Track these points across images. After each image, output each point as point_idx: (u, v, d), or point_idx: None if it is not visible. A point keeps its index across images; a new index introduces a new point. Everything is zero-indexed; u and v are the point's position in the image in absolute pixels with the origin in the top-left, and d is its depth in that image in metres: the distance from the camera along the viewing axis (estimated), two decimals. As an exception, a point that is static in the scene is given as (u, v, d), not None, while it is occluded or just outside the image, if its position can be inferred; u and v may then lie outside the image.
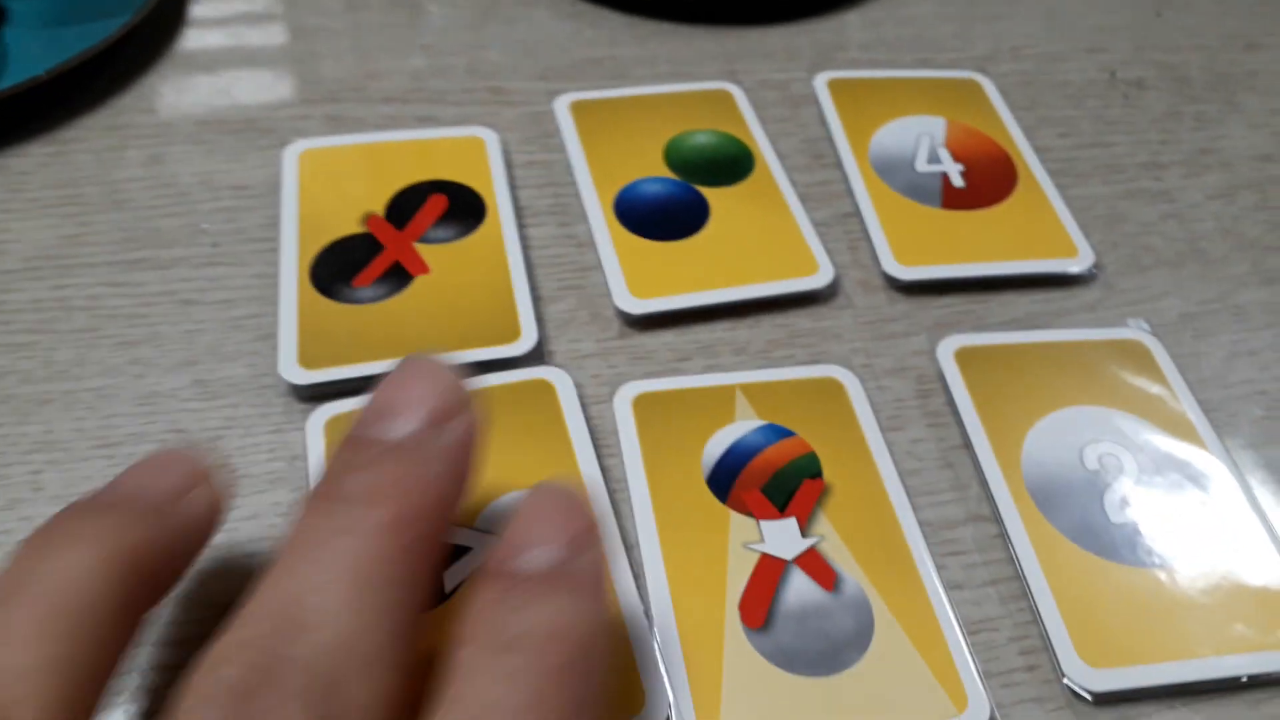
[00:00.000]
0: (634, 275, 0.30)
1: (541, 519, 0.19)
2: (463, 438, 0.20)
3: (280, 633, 0.17)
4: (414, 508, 0.19)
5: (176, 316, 0.30)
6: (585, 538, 0.19)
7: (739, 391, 0.28)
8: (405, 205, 0.32)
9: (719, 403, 0.28)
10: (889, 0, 0.43)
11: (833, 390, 0.28)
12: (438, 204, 0.32)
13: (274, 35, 0.39)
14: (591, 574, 0.19)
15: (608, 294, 0.31)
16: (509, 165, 0.34)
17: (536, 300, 0.31)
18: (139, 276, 0.30)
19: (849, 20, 0.41)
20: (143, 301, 0.30)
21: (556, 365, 0.29)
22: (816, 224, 0.33)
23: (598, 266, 0.31)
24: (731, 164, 0.34)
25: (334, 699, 0.16)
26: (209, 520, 0.21)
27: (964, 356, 0.29)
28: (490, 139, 0.34)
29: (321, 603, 0.17)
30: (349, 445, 0.20)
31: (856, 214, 0.33)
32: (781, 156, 0.35)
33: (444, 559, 0.23)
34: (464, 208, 0.33)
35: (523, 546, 0.19)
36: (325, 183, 0.33)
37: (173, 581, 0.21)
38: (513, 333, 0.29)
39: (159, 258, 0.31)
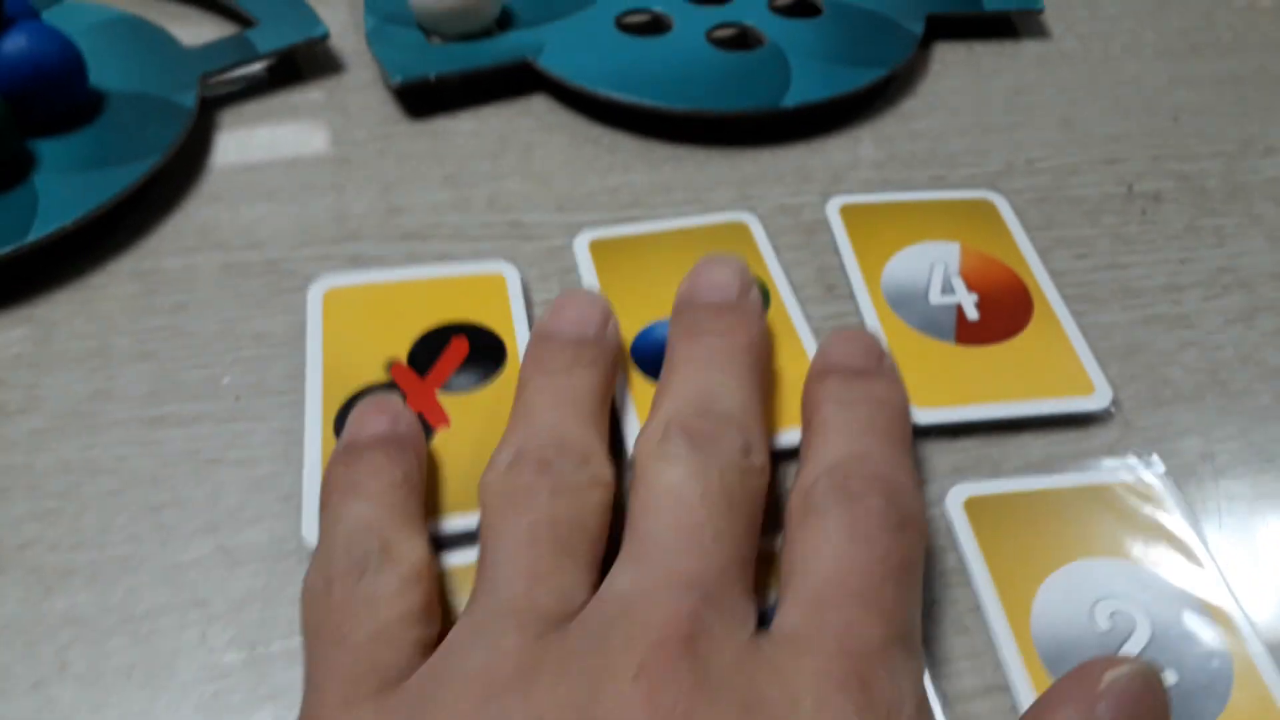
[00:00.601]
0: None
1: (851, 339, 0.31)
2: (759, 305, 0.31)
3: (705, 399, 0.27)
4: (755, 336, 0.30)
5: (199, 478, 0.30)
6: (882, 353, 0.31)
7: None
8: (428, 349, 0.33)
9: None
10: (902, 114, 0.43)
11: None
12: (459, 348, 0.33)
13: (298, 171, 0.41)
14: (894, 371, 0.30)
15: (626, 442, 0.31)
16: (528, 304, 0.35)
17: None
18: (163, 434, 0.31)
19: (861, 137, 0.42)
20: (165, 462, 0.30)
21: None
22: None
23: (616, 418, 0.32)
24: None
25: (748, 435, 0.26)
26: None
27: (974, 507, 0.29)
28: (511, 276, 0.35)
29: (722, 381, 0.28)
30: (686, 308, 0.31)
31: (871, 349, 0.33)
32: (796, 289, 0.35)
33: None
34: (485, 351, 0.34)
35: (843, 355, 0.30)
36: (349, 326, 0.34)
37: None
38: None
39: (182, 414, 0.32)
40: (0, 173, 0.37)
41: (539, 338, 0.29)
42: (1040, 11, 0.47)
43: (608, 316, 0.30)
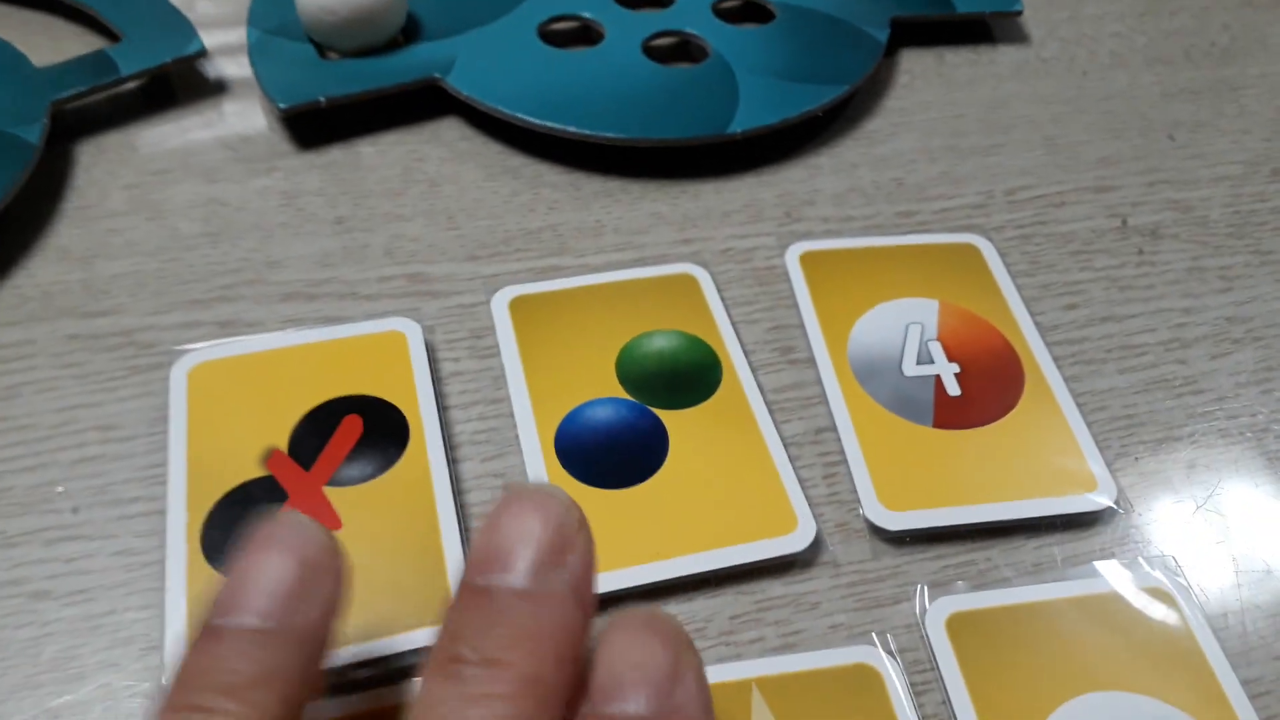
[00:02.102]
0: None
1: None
2: (581, 571, 0.20)
3: None
4: (544, 660, 0.18)
5: (20, 618, 0.25)
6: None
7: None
8: (313, 433, 0.29)
9: None
10: (865, 137, 0.38)
11: (815, 686, 0.24)
12: (351, 430, 0.28)
13: (164, 217, 0.36)
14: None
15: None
16: (434, 370, 0.31)
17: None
18: None
19: (819, 165, 0.37)
20: None
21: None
22: (788, 443, 0.30)
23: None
24: (695, 379, 0.31)
25: None
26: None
27: (958, 626, 0.25)
28: (413, 334, 0.31)
29: None
30: (465, 599, 0.19)
31: (833, 429, 0.29)
32: (748, 352, 0.31)
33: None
34: (383, 431, 0.29)
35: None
36: (220, 409, 0.29)
37: None
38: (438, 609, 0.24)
39: (5, 531, 0.26)
40: None
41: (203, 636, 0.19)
42: (1018, 13, 0.42)
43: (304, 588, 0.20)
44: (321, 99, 0.37)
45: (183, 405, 0.29)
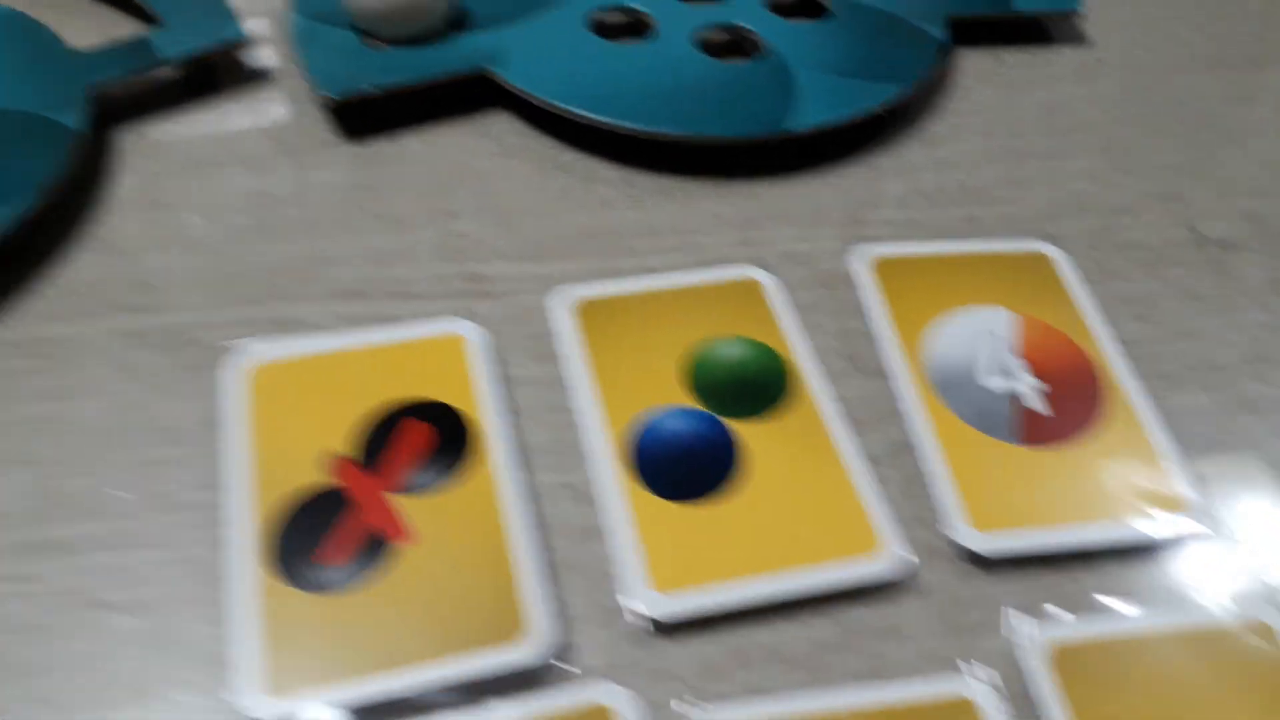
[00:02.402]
0: (657, 557, 0.26)
1: None
2: None
3: None
4: None
5: (84, 629, 0.24)
6: None
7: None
8: (375, 438, 0.28)
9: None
10: (926, 139, 0.38)
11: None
12: (416, 436, 0.28)
13: (211, 210, 0.35)
14: None
15: (615, 582, 0.26)
16: (498, 373, 0.30)
17: (547, 582, 0.26)
18: (41, 567, 0.25)
19: (881, 167, 0.36)
20: (43, 606, 0.24)
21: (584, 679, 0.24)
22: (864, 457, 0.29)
23: (597, 533, 0.27)
24: (765, 388, 0.30)
25: None
26: None
27: (1057, 656, 0.25)
28: (472, 337, 0.30)
29: None
30: None
31: (910, 444, 0.28)
32: (819, 358, 0.30)
33: None
34: (448, 437, 0.28)
35: None
36: (279, 413, 0.28)
37: None
38: (515, 629, 0.25)
39: (65, 538, 0.25)
40: None
41: None
42: (1077, 14, 0.42)
43: None
44: (372, 88, 0.35)
45: (241, 407, 0.28)
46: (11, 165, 0.33)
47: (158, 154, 0.36)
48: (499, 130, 0.37)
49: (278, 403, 0.28)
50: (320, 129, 0.37)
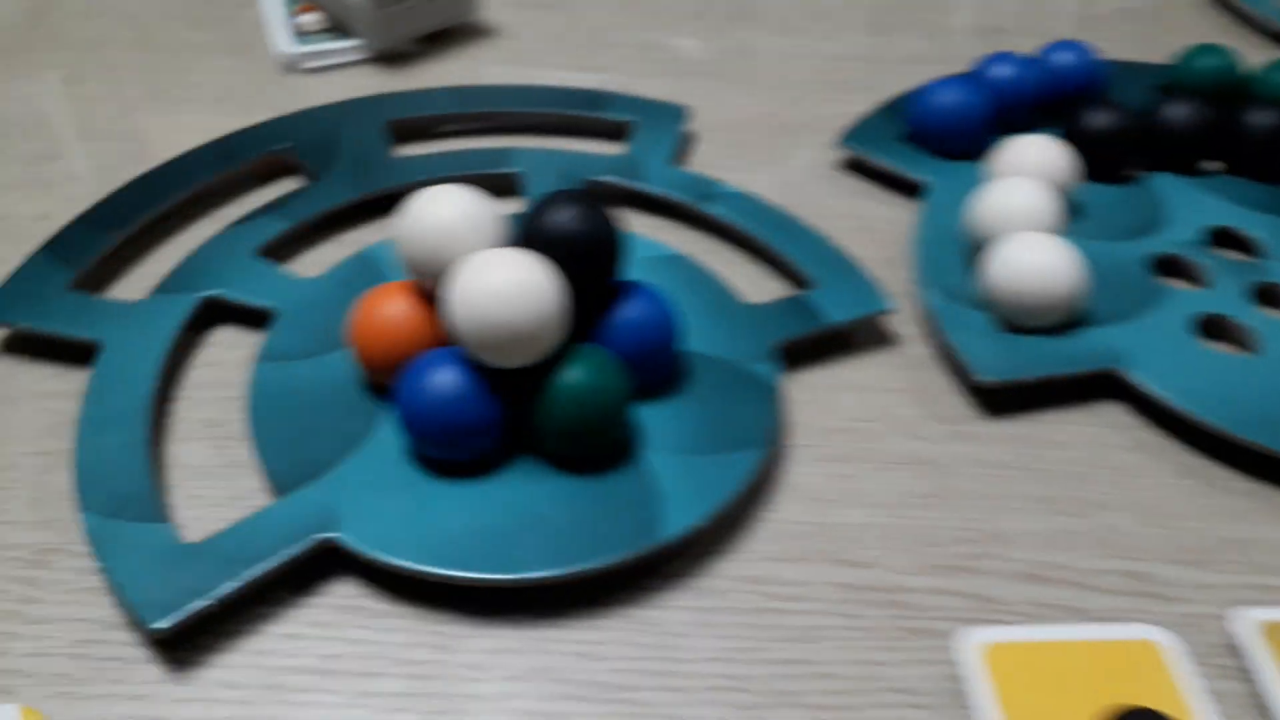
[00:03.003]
0: None
1: None
2: None
3: None
4: None
5: None
6: None
7: None
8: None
9: None
10: None
11: None
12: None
13: (876, 464, 0.40)
14: None
15: None
16: (1204, 691, 0.32)
17: None
18: None
19: None
20: None
21: None
22: None
23: None
24: None
25: None
26: None
27: None
28: (1166, 643, 0.33)
29: None
30: None
31: None
32: None
33: None
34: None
35: None
36: (1015, 698, 0.31)
37: None
38: None
39: None
40: (613, 452, 0.36)
41: None
42: None
43: None
44: (1022, 378, 0.40)
45: (983, 685, 0.31)
46: (736, 413, 0.38)
47: (814, 407, 0.41)
48: (1120, 421, 0.41)
49: (1015, 688, 0.31)
50: (959, 401, 0.42)
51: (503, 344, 0.32)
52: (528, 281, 0.32)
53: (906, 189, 0.52)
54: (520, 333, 0.32)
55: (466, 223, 0.34)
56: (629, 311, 0.36)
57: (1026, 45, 0.62)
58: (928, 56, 0.64)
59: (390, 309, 0.35)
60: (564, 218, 0.34)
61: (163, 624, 0.31)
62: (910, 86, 0.58)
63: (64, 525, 0.35)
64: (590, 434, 0.34)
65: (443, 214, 0.34)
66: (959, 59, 0.63)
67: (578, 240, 0.35)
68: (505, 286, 0.32)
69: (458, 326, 0.32)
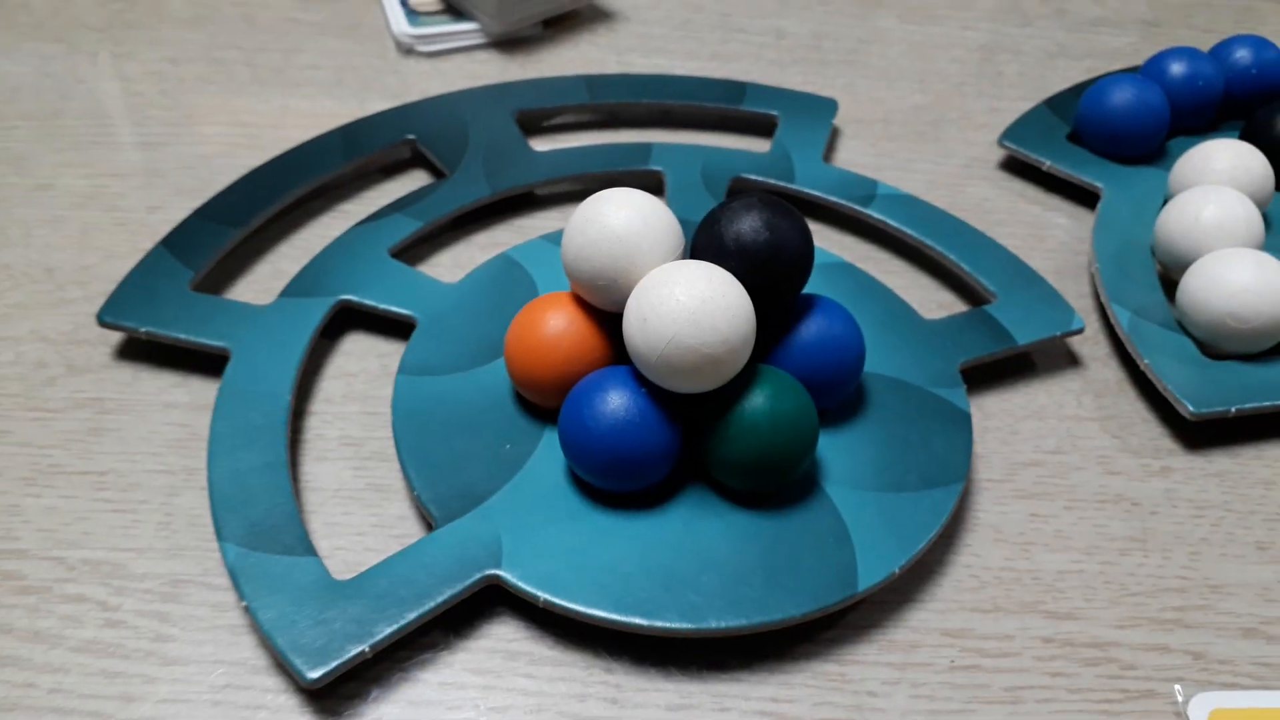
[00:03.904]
0: None
1: None
2: None
3: None
4: None
5: None
6: None
7: None
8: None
9: None
10: None
11: None
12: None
13: (1077, 511, 0.37)
14: None
15: None
16: None
17: None
18: None
19: None
20: None
21: None
22: None
23: None
24: None
25: None
26: None
27: None
28: None
29: None
30: None
31: None
32: None
33: None
34: None
35: None
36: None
37: None
38: None
39: None
40: (794, 486, 0.34)
41: None
42: None
43: None
44: (1237, 411, 0.36)
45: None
46: (929, 445, 0.35)
47: (996, 425, 0.38)
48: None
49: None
50: (1157, 432, 0.39)
51: (692, 370, 0.29)
52: (722, 301, 0.29)
53: (1074, 193, 0.49)
54: (713, 358, 0.29)
55: (646, 231, 0.31)
56: (815, 329, 0.33)
57: (1182, 39, 0.58)
58: (1074, 49, 0.60)
59: (555, 324, 0.32)
60: (755, 226, 0.31)
61: (318, 674, 0.28)
62: (1064, 82, 0.54)
63: (197, 554, 0.33)
64: (778, 468, 0.31)
65: (619, 221, 0.31)
66: (1110, 53, 0.60)
67: (771, 252, 0.32)
68: (699, 307, 0.29)
69: (640, 349, 0.29)
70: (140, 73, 0.53)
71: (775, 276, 0.32)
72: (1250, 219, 0.39)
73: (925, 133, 0.52)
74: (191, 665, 0.30)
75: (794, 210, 0.32)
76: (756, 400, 0.31)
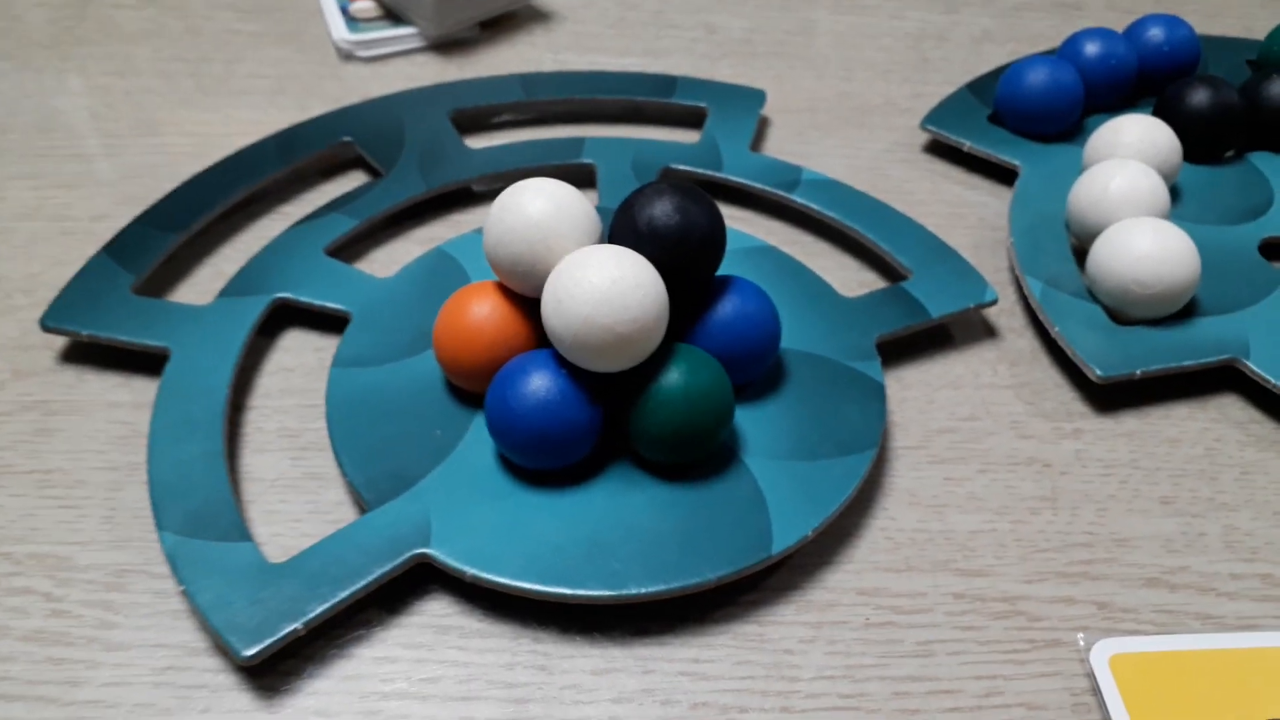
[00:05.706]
0: None
1: None
2: None
3: None
4: None
5: None
6: None
7: None
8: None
9: None
10: None
11: None
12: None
13: (982, 467, 0.38)
14: None
15: None
16: None
17: None
18: None
19: None
20: None
21: None
22: None
23: None
24: None
25: None
26: None
27: None
28: None
29: None
30: None
31: None
32: None
33: None
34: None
35: None
36: (1154, 710, 0.30)
37: None
38: None
39: None
40: (713, 458, 0.35)
41: None
42: None
43: None
44: (1141, 374, 0.37)
45: (1116, 699, 0.29)
46: (843, 415, 0.36)
47: (914, 395, 0.40)
48: (1239, 418, 0.40)
49: (1149, 701, 0.29)
50: (1067, 396, 0.40)
51: (607, 348, 0.30)
52: (633, 281, 0.30)
53: (994, 172, 0.51)
54: (626, 336, 0.30)
55: (561, 218, 0.32)
56: (729, 308, 0.34)
57: (1104, 21, 0.59)
58: (999, 35, 0.62)
59: (479, 310, 0.33)
60: (665, 210, 0.33)
61: (252, 651, 0.29)
62: (987, 66, 0.56)
63: (140, 545, 0.34)
64: (695, 439, 0.32)
65: (535, 209, 0.32)
66: (1033, 37, 0.61)
67: (681, 234, 0.33)
68: (610, 287, 0.30)
69: (557, 330, 0.31)
70: (87, 86, 0.53)
71: (687, 258, 0.33)
72: (1155, 189, 0.41)
73: (850, 119, 0.53)
74: (134, 650, 0.31)
75: (704, 194, 0.34)
76: (673, 376, 0.32)
